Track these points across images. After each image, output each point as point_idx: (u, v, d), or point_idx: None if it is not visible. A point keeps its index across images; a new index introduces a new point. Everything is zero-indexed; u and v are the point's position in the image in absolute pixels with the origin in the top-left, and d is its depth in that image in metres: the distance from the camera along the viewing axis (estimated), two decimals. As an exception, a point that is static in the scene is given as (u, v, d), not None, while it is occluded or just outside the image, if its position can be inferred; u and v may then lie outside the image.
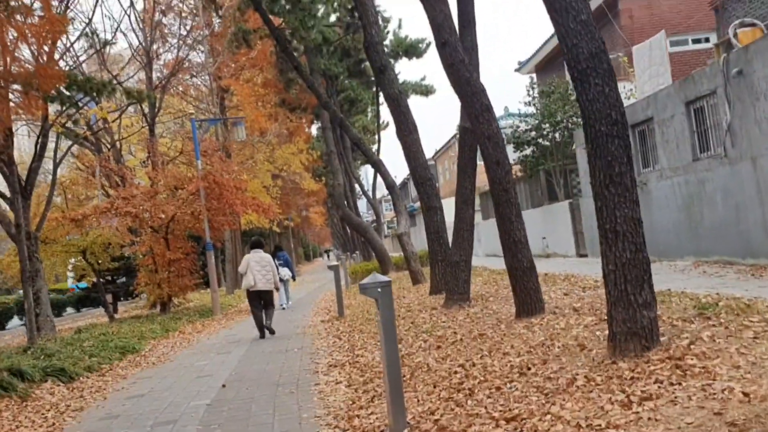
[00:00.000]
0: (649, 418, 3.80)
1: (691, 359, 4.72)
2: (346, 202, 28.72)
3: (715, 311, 6.32)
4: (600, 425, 3.89)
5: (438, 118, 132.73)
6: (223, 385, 8.16)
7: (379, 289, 4.96)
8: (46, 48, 12.97)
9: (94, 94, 13.59)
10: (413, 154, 13.66)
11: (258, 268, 12.32)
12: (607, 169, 5.34)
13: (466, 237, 10.95)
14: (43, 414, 7.61)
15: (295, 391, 7.35)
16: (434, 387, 5.99)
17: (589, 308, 7.92)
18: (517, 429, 4.29)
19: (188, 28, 26.69)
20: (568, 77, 23.97)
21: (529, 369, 5.68)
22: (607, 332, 6.04)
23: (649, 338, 5.24)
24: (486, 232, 27.14)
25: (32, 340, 12.85)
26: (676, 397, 4.04)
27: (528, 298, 8.21)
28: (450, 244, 12.08)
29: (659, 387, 4.30)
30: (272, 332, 12.43)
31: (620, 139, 5.35)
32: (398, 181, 39.42)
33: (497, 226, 8.52)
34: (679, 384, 4.28)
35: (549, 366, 5.59)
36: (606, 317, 6.98)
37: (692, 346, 5.04)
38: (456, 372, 6.29)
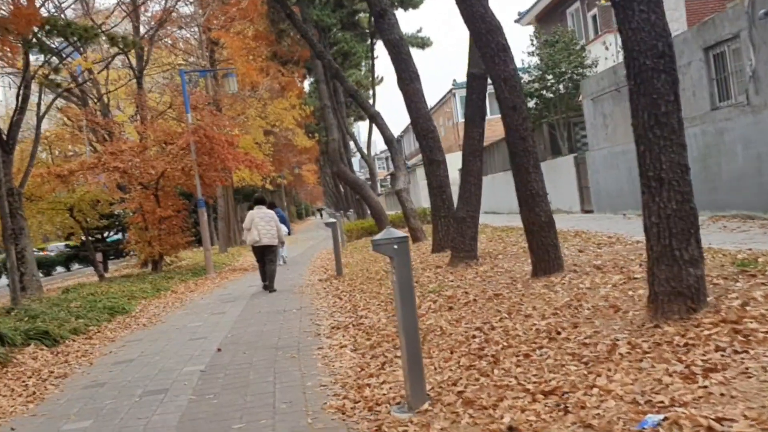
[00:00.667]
0: (722, 394, 3.22)
1: (751, 322, 4.16)
2: (340, 159, 27.92)
3: (759, 268, 5.77)
4: (662, 402, 3.30)
5: (432, 74, 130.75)
6: (219, 349, 7.59)
7: (395, 246, 4.34)
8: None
9: (76, 40, 12.76)
10: (415, 104, 12.95)
11: (262, 224, 12.41)
12: (652, 109, 4.70)
13: (473, 191, 10.36)
14: (23, 381, 7.04)
15: (296, 355, 6.77)
16: (451, 353, 5.42)
17: (613, 265, 7.38)
18: (560, 405, 3.69)
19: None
20: (571, 26, 23.22)
21: (558, 333, 5.12)
22: (641, 292, 5.51)
23: (695, 299, 4.67)
24: (485, 188, 26.53)
25: (15, 300, 12.23)
26: (747, 368, 3.47)
27: (546, 255, 7.62)
28: (453, 200, 11.49)
29: (723, 356, 3.73)
30: (271, 290, 12.35)
31: (667, 74, 4.70)
32: (393, 137, 38.47)
33: (513, 176, 7.87)
34: (746, 352, 3.72)
35: (581, 330, 5.03)
36: (636, 275, 6.49)
37: (747, 308, 4.48)
38: (474, 336, 5.73)
